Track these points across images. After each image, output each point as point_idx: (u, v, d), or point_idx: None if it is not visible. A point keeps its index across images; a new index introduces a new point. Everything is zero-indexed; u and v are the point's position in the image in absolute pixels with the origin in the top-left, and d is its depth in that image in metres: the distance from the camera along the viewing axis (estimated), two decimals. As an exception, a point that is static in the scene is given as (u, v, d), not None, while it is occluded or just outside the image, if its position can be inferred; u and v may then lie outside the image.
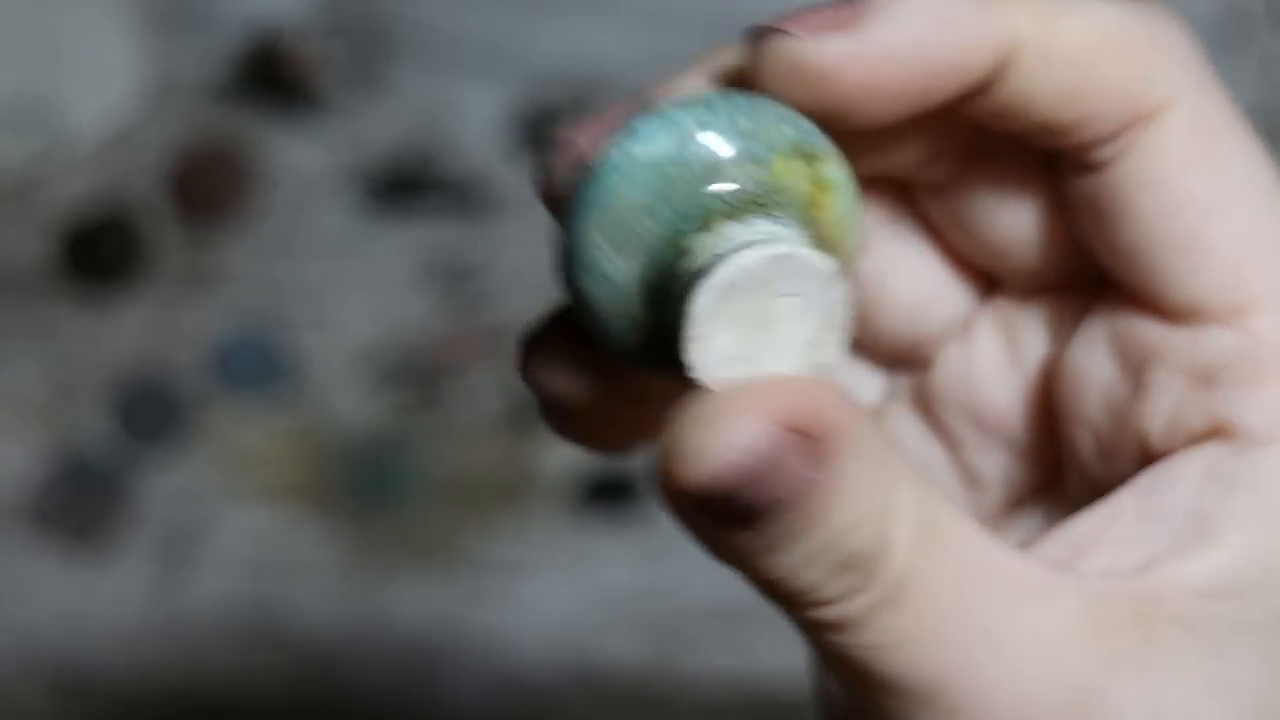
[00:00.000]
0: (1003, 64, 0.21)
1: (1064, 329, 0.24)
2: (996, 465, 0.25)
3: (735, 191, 0.20)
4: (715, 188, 0.20)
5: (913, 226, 0.25)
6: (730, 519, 0.18)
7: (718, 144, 0.20)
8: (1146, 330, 0.22)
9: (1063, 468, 0.24)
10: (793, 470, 0.18)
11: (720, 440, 0.18)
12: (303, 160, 0.72)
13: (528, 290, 0.71)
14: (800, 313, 0.19)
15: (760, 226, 0.20)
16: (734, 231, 0.20)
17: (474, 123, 0.72)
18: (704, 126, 0.20)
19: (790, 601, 0.20)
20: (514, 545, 0.70)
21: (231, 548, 0.70)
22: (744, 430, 0.18)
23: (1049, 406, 0.24)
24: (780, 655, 0.68)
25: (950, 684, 0.19)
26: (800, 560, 0.19)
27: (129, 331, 0.71)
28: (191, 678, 0.70)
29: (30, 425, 0.71)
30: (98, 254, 0.71)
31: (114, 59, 0.72)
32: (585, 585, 0.70)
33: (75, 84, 0.72)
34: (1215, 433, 0.21)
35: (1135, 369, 0.22)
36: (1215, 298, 0.22)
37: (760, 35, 0.22)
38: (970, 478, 0.25)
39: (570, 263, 0.22)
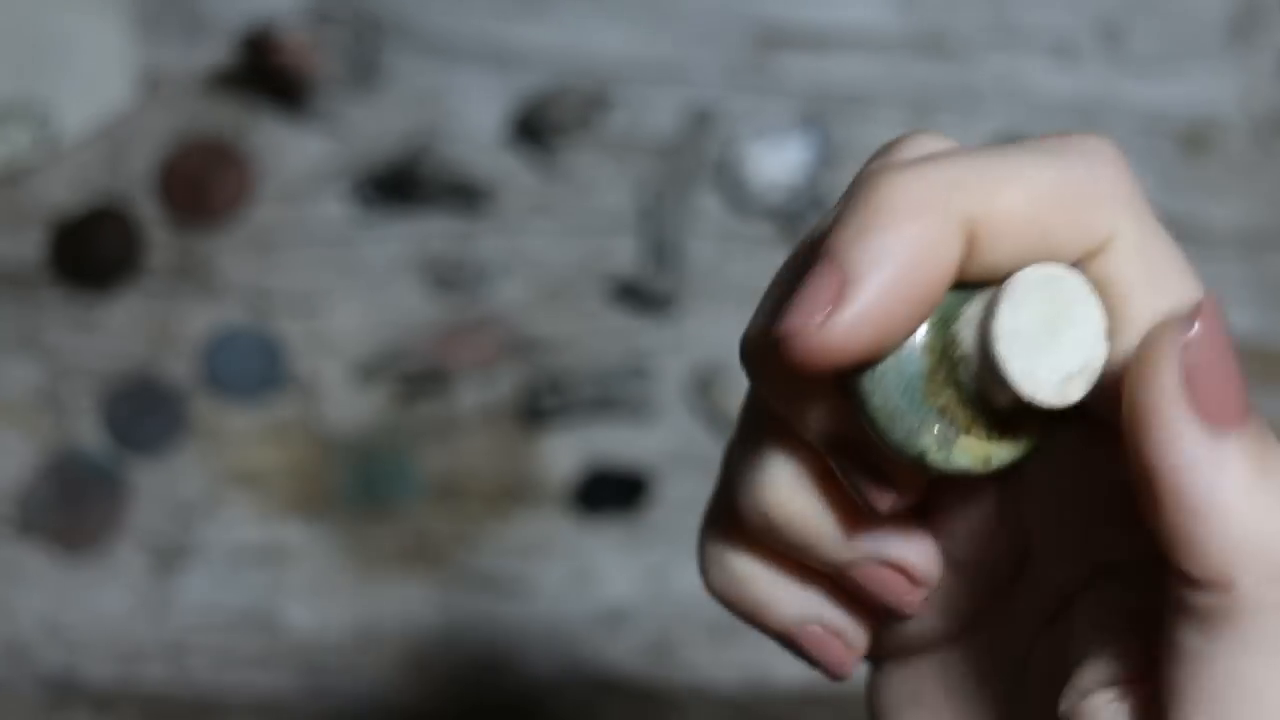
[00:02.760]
0: (968, 245, 0.23)
1: None
2: None
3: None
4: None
5: None
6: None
7: None
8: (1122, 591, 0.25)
9: None
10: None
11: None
12: (296, 155, 0.72)
13: (524, 285, 0.71)
14: (1072, 336, 0.24)
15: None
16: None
17: (471, 118, 0.72)
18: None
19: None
20: (513, 547, 0.70)
21: (223, 549, 0.70)
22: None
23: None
24: (780, 655, 0.68)
25: None
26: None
27: (120, 330, 0.71)
28: (182, 680, 0.70)
29: (19, 426, 0.71)
30: (88, 251, 0.71)
31: (106, 55, 0.72)
32: (584, 587, 0.70)
33: (67, 80, 0.72)
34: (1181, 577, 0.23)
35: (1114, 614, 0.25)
36: (1215, 569, 0.23)
37: (775, 339, 0.24)
38: None
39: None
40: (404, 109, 0.72)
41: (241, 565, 0.70)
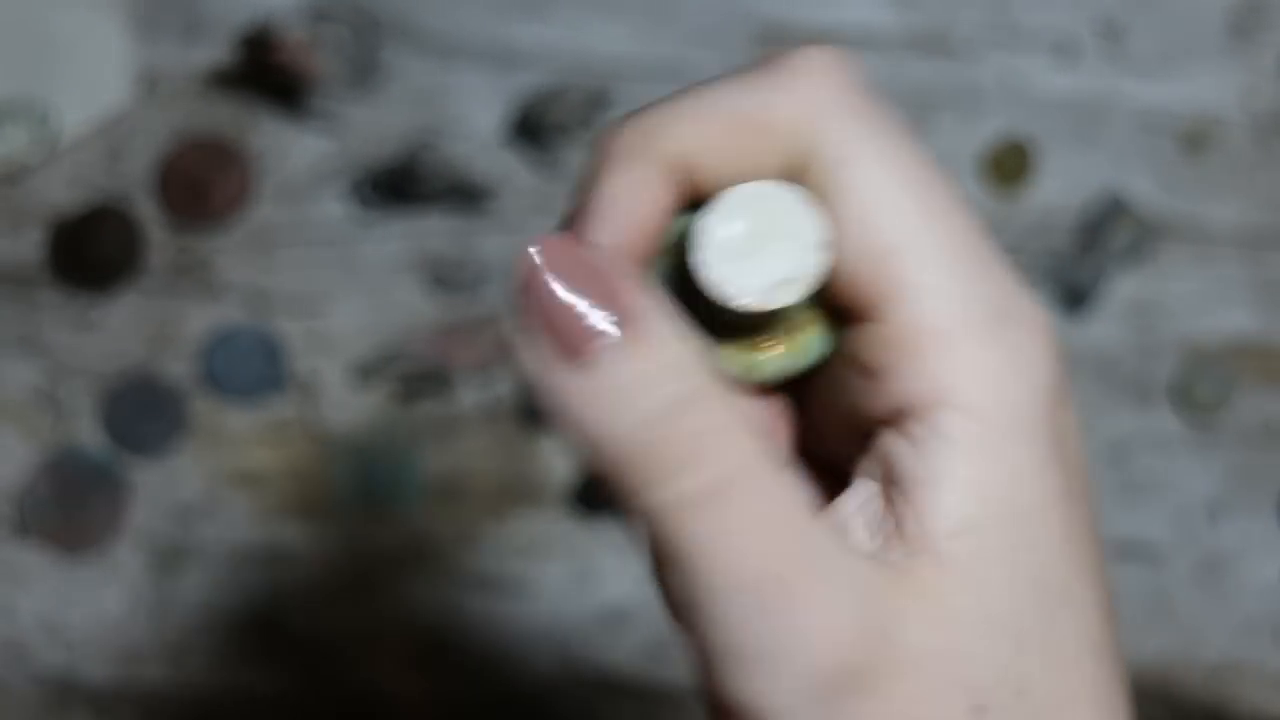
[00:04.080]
0: (684, 176, 0.27)
1: None
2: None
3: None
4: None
5: None
6: (562, 334, 0.24)
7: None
8: (851, 334, 0.27)
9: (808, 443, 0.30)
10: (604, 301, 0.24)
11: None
12: (296, 155, 0.72)
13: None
14: (782, 247, 0.25)
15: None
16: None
17: (471, 118, 0.72)
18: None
19: (629, 478, 0.24)
20: (513, 547, 0.70)
21: (223, 549, 0.70)
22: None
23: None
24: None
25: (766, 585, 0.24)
26: (637, 419, 0.24)
27: (119, 330, 0.71)
28: (181, 681, 0.70)
29: (18, 425, 0.71)
30: (87, 251, 0.71)
31: (105, 54, 0.72)
32: (584, 586, 0.70)
33: (66, 79, 0.72)
34: (901, 412, 0.26)
35: (843, 371, 0.27)
36: (866, 292, 0.26)
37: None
38: None
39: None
40: (404, 108, 0.72)
41: (241, 565, 0.70)
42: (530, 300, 0.24)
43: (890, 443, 0.26)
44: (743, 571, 0.24)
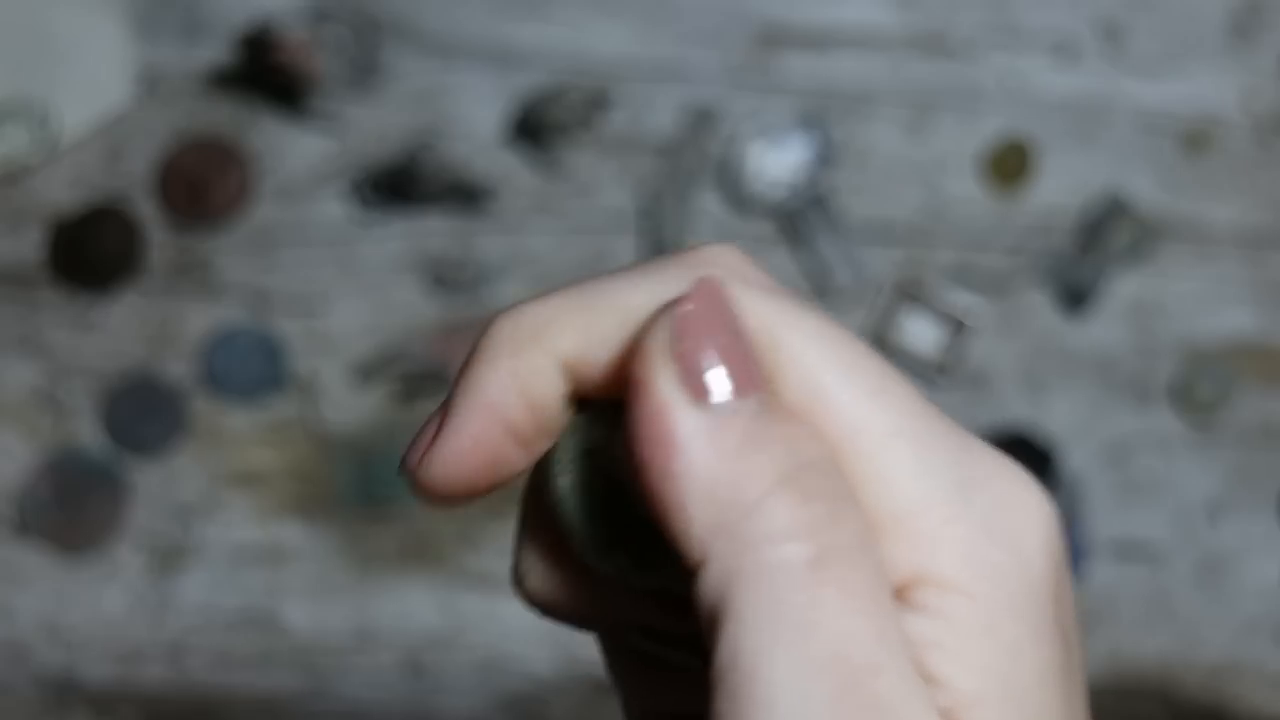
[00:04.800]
0: (573, 373, 0.25)
1: None
2: None
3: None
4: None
5: None
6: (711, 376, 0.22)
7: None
8: None
9: None
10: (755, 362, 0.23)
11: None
12: (296, 155, 0.72)
13: (524, 284, 0.71)
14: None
15: None
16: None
17: (471, 118, 0.72)
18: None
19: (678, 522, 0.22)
20: (510, 546, 0.70)
21: (223, 549, 0.70)
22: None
23: None
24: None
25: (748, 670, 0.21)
26: (768, 470, 0.22)
27: (119, 330, 0.71)
28: (181, 680, 0.70)
29: (18, 425, 0.71)
30: (88, 251, 0.71)
31: (105, 54, 0.72)
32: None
33: (66, 80, 0.72)
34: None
35: None
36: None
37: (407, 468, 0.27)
38: None
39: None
40: (404, 108, 0.72)
41: (241, 565, 0.70)
42: (699, 326, 0.22)
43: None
44: (828, 648, 0.22)
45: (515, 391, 0.25)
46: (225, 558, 0.70)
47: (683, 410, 0.22)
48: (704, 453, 0.22)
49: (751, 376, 0.23)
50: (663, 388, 0.22)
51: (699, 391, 0.22)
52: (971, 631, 0.23)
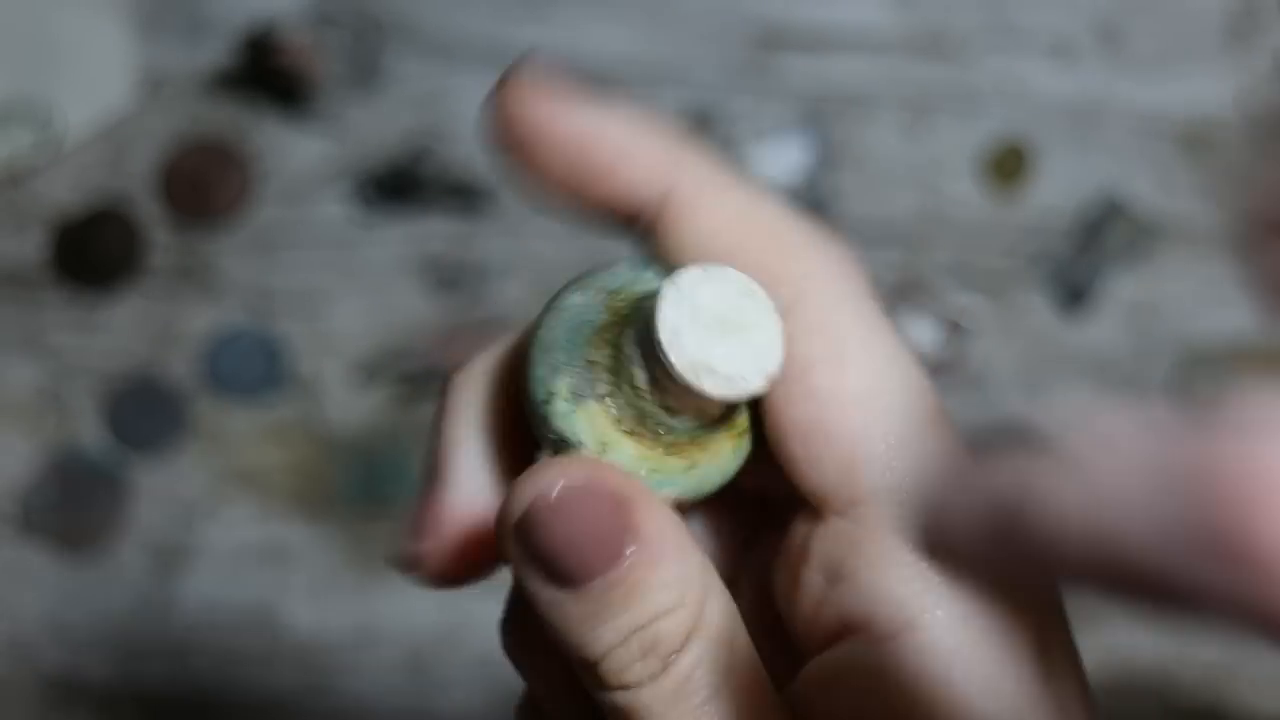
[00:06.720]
0: (660, 203, 0.25)
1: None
2: None
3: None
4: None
5: None
6: (557, 570, 0.21)
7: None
8: (800, 529, 0.25)
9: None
10: (611, 535, 0.21)
11: (537, 478, 0.22)
12: (297, 156, 0.72)
13: (525, 286, 0.71)
14: (745, 330, 0.23)
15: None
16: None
17: (471, 119, 0.72)
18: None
19: (596, 680, 0.22)
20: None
21: (224, 549, 0.70)
22: (555, 472, 0.22)
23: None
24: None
25: None
26: (613, 633, 0.22)
27: (121, 330, 0.71)
28: (183, 680, 0.70)
29: (21, 425, 0.71)
30: (90, 252, 0.71)
31: (107, 55, 0.72)
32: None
33: (68, 81, 0.72)
34: (846, 630, 0.24)
35: (793, 567, 0.25)
36: (834, 489, 0.24)
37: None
38: None
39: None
40: (405, 110, 0.72)
41: (242, 565, 0.70)
42: (533, 534, 0.22)
43: (840, 675, 0.24)
44: None
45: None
46: (227, 557, 0.70)
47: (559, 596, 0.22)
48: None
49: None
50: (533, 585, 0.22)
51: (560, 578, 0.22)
52: (970, 666, 0.23)
